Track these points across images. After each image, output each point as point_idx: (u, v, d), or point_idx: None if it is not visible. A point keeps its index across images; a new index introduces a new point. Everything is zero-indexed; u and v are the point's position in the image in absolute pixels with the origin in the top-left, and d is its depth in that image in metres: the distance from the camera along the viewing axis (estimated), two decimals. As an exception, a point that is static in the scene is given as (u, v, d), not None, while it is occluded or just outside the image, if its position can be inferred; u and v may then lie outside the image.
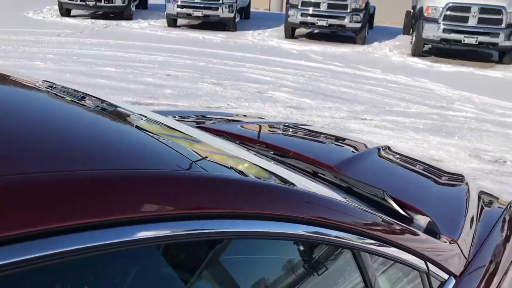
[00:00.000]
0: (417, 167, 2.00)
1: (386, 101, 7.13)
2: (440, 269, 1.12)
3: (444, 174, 1.98)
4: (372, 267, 0.92)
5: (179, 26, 13.41)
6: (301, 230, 0.82)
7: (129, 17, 13.60)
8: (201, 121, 2.19)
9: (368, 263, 0.91)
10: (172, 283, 0.68)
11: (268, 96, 6.93)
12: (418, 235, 1.13)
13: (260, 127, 2.39)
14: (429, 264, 1.08)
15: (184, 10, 12.74)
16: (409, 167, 1.99)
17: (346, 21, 11.91)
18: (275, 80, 7.88)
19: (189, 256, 0.70)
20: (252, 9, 16.74)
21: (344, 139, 2.33)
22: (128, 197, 0.59)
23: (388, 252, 0.98)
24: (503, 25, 10.41)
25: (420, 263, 1.05)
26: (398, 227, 1.08)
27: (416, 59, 10.92)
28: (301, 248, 0.86)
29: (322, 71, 8.99)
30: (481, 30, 10.47)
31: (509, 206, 1.84)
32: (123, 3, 13.36)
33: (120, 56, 8.89)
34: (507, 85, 8.90)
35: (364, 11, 12.01)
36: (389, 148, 2.21)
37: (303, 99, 6.86)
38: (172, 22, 13.21)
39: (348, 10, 11.85)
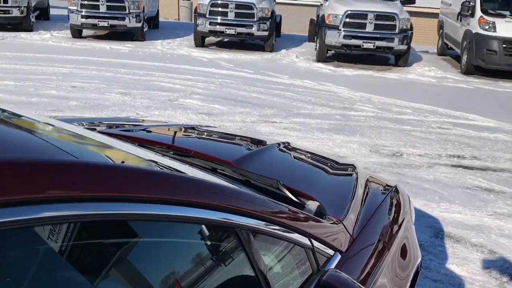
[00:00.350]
0: (312, 159, 2.14)
1: (294, 104, 7.41)
2: (325, 246, 1.23)
3: (337, 164, 2.14)
4: (257, 246, 1.00)
5: (84, 37, 12.97)
6: (190, 213, 0.88)
7: (29, 28, 12.91)
8: (105, 127, 2.17)
9: (253, 243, 0.98)
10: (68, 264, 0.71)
11: (179, 103, 6.93)
12: (303, 216, 1.23)
13: (165, 129, 2.42)
14: (313, 241, 1.18)
15: (89, 21, 12.35)
16: (305, 160, 2.12)
17: (254, 30, 12.20)
18: (185, 88, 7.89)
19: (89, 235, 0.74)
20: (161, 19, 16.59)
21: (245, 137, 2.43)
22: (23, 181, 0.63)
23: (274, 231, 1.06)
24: (397, 31, 11.24)
25: (305, 240, 1.15)
26: (285, 210, 1.17)
27: (320, 65, 11.45)
28: (190, 230, 0.92)
29: (232, 78, 9.15)
30: (378, 36, 11.22)
31: (393, 189, 2.04)
32: (21, 13, 12.67)
33: (19, 68, 8.43)
34: (402, 86, 9.62)
35: (270, 20, 12.38)
36: (288, 144, 2.34)
37: (215, 105, 6.94)
38: (76, 33, 12.74)
39: (255, 19, 12.15)
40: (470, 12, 11.13)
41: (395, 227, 1.76)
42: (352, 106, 7.60)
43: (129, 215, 0.77)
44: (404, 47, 11.39)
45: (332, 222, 1.39)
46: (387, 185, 2.07)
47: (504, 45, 10.43)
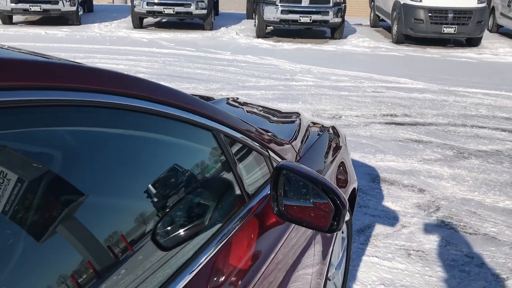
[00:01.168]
0: (261, 109, 2.43)
1: (238, 78, 7.68)
2: (278, 156, 1.53)
3: (283, 113, 2.45)
4: (230, 150, 1.27)
5: (15, 23, 12.54)
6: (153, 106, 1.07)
7: None
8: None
9: (228, 146, 1.25)
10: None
11: (125, 83, 7.01)
12: (263, 133, 1.53)
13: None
14: (270, 151, 1.47)
15: (20, 6, 11.95)
16: (254, 110, 2.41)
17: (192, 8, 12.26)
18: (129, 68, 7.95)
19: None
20: (94, 3, 16.22)
21: (194, 95, 2.67)
22: None
23: (244, 139, 1.34)
24: (331, 4, 11.70)
25: (264, 149, 1.44)
26: (252, 128, 1.46)
27: (260, 40, 11.74)
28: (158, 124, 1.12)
29: (175, 56, 9.26)
30: (314, 10, 11.63)
31: (331, 128, 2.38)
32: None
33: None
34: (339, 56, 10.11)
35: (208, -2, 12.49)
36: (237, 98, 2.62)
37: (160, 83, 7.07)
38: (7, 19, 12.30)
39: (193, -2, 12.21)
40: (397, -16, 11.76)
41: (333, 152, 2.10)
42: (293, 77, 7.97)
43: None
44: (339, 19, 11.88)
45: (283, 142, 1.69)
46: (325, 126, 2.40)
47: (429, 14, 11.14)
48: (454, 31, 11.11)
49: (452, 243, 3.09)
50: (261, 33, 12.03)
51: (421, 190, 3.85)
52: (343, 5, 11.96)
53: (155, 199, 1.06)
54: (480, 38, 11.62)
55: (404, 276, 2.74)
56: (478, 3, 11.19)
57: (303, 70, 8.57)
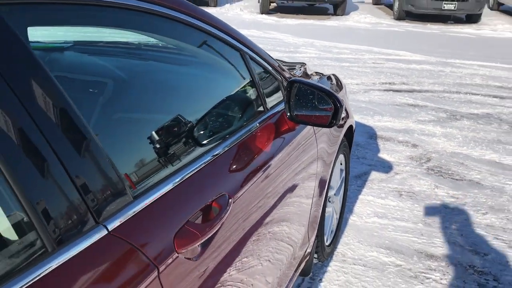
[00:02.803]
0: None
1: (243, 50, 7.99)
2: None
3: (290, 62, 2.80)
4: (253, 67, 1.61)
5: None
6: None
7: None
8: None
9: (251, 64, 1.60)
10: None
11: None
12: (278, 63, 1.89)
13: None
14: (282, 78, 1.82)
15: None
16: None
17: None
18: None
19: None
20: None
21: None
22: None
23: (262, 63, 1.69)
24: (334, -19, 11.92)
25: (278, 75, 1.79)
26: (269, 56, 1.81)
27: (264, 16, 12.00)
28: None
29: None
30: (316, -14, 11.86)
31: (330, 76, 2.73)
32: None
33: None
34: (341, 31, 10.38)
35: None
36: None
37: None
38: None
39: (198, -26, 12.40)
40: (399, -39, 11.95)
41: (334, 89, 2.46)
42: (297, 49, 8.27)
43: None
44: (341, -4, 12.11)
45: (292, 74, 2.05)
46: (325, 74, 2.75)
47: (430, -9, 11.36)
48: (454, 7, 11.34)
49: (440, 187, 3.46)
50: (265, 9, 12.28)
51: (414, 145, 4.21)
52: (346, -19, 12.17)
53: (201, 103, 1.43)
54: (480, 15, 11.85)
55: (395, 210, 3.12)
56: (478, -20, 11.41)
57: (306, 43, 8.87)
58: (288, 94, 1.57)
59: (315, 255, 2.43)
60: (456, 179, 3.60)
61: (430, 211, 3.13)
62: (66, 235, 0.80)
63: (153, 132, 1.16)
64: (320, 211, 2.19)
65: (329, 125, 1.52)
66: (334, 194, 2.58)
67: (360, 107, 5.23)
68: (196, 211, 1.09)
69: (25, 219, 0.75)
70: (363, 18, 12.16)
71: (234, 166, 1.33)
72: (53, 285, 0.75)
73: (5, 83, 0.76)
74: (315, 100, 1.54)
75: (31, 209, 0.75)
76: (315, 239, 2.23)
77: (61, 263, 0.77)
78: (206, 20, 1.39)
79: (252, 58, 1.62)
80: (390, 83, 6.26)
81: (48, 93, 0.83)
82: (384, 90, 5.94)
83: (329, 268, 2.53)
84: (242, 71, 1.60)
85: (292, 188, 1.71)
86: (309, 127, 1.90)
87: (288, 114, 1.59)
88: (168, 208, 1.04)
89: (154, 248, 0.94)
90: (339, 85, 2.71)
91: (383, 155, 3.99)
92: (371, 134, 4.44)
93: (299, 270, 2.06)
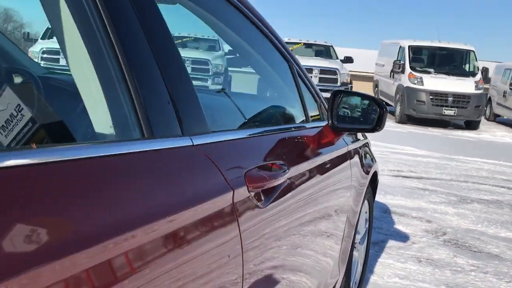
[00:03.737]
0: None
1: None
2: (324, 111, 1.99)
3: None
4: (298, 79, 1.73)
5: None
6: None
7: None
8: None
9: (297, 76, 1.71)
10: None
11: None
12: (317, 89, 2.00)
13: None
14: (322, 103, 1.93)
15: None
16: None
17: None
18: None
19: None
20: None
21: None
22: None
23: (305, 79, 1.81)
24: (338, 84, 12.58)
25: (318, 98, 1.90)
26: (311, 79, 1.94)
27: None
28: None
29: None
30: (321, 88, 12.51)
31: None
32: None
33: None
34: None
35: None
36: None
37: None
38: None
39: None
40: (401, 69, 12.74)
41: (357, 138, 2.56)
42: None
43: None
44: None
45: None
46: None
47: (431, 97, 11.96)
48: (454, 113, 11.85)
49: (459, 256, 3.40)
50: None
51: (429, 221, 4.20)
52: (350, 86, 12.83)
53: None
54: (479, 122, 12.34)
55: (416, 273, 3.04)
56: (475, 89, 12.06)
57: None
58: (331, 104, 1.65)
59: (340, 303, 2.34)
60: (475, 251, 3.54)
61: (452, 276, 3.05)
62: (159, 131, 0.84)
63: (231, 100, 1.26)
64: (350, 247, 2.16)
65: (374, 129, 1.59)
66: (359, 243, 2.55)
67: (371, 187, 5.27)
68: (264, 164, 1.13)
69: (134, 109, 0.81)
70: (366, 120, 12.63)
71: (284, 151, 1.38)
72: (143, 163, 0.78)
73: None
74: (358, 107, 1.62)
75: (141, 107, 0.81)
76: (344, 278, 2.17)
77: (150, 149, 0.81)
78: (268, 27, 1.53)
79: (298, 72, 1.73)
80: (398, 171, 6.36)
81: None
82: (393, 176, 6.03)
83: (353, 319, 2.41)
84: (288, 78, 1.70)
85: (329, 201, 1.73)
86: (345, 152, 1.96)
87: (330, 122, 1.66)
88: (241, 149, 1.09)
89: (230, 174, 0.97)
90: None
91: (398, 226, 3.97)
92: (384, 210, 4.44)
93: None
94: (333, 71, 12.68)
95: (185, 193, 0.84)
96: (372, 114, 1.59)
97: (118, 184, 0.71)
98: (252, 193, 1.03)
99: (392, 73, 13.40)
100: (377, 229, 3.85)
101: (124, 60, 0.81)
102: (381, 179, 5.69)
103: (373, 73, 17.47)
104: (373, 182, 2.71)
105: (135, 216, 0.69)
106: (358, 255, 2.57)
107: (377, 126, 1.58)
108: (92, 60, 0.82)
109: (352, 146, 2.12)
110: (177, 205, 0.79)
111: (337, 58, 13.78)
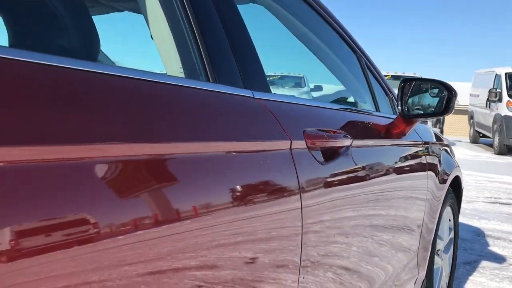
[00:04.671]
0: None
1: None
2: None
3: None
4: (368, 71, 1.78)
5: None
6: None
7: None
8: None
9: (366, 68, 1.77)
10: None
11: None
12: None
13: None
14: (393, 96, 1.95)
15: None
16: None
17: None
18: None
19: None
20: None
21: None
22: None
23: (375, 71, 1.86)
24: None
25: (389, 93, 1.93)
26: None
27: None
28: None
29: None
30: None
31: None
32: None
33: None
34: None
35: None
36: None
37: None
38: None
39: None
40: (497, 97, 12.05)
41: (440, 139, 2.49)
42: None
43: None
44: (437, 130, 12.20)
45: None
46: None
47: (532, 125, 11.12)
48: (561, 142, 10.88)
49: None
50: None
51: (529, 245, 3.88)
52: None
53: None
54: None
55: (512, 292, 2.82)
56: None
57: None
58: (401, 92, 1.68)
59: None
60: None
61: (555, 296, 2.79)
62: (222, 80, 0.95)
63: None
64: (430, 247, 2.10)
65: (443, 113, 1.58)
66: (443, 252, 2.45)
67: (463, 213, 4.99)
68: (325, 129, 1.18)
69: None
70: (461, 151, 12.00)
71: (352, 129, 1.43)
72: (205, 100, 0.88)
73: None
74: (427, 92, 1.63)
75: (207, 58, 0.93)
76: (424, 280, 2.10)
77: (215, 90, 0.91)
78: (335, 20, 1.62)
79: (367, 65, 1.79)
80: (495, 198, 5.96)
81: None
82: (489, 202, 5.66)
83: (439, 330, 2.30)
84: (357, 71, 1.76)
85: (404, 189, 1.72)
86: (419, 143, 1.94)
87: (400, 110, 1.68)
88: (302, 112, 1.17)
89: (289, 127, 1.04)
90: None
91: (493, 248, 3.71)
92: (478, 233, 4.18)
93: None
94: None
95: (244, 135, 0.92)
96: (441, 99, 1.59)
97: (184, 114, 0.81)
98: (311, 149, 1.09)
99: (488, 103, 12.70)
100: (469, 250, 3.63)
101: (194, 20, 0.94)
102: (476, 206, 5.39)
103: (466, 105, 16.67)
104: (457, 191, 2.60)
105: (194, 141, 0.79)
106: (443, 265, 2.46)
107: (446, 109, 1.57)
108: (168, 21, 0.96)
109: (428, 140, 2.10)
110: (235, 146, 0.87)
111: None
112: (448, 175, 2.38)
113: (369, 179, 1.40)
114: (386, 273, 1.60)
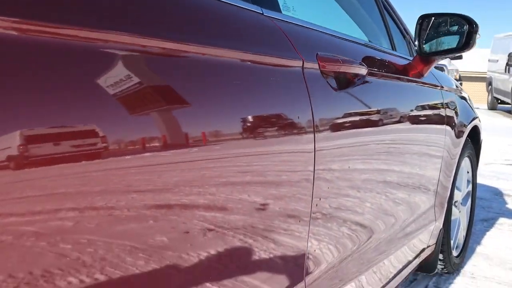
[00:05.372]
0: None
1: None
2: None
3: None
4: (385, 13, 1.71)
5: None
6: None
7: None
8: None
9: (384, 11, 1.69)
10: None
11: None
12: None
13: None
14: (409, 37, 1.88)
15: None
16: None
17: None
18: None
19: None
20: None
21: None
22: None
23: (393, 15, 1.78)
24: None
25: (407, 34, 1.86)
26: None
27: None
28: None
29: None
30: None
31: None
32: None
33: None
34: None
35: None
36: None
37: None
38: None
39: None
40: (517, 61, 11.74)
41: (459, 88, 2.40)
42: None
43: None
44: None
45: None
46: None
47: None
48: None
49: None
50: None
51: (549, 203, 3.80)
52: (460, 82, 12.09)
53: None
54: None
55: (532, 246, 2.77)
56: None
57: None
58: (418, 30, 1.60)
59: (442, 264, 2.21)
60: None
61: None
62: None
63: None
64: (447, 195, 2.05)
65: (464, 48, 1.51)
66: (461, 204, 2.40)
67: (482, 174, 4.91)
68: (339, 55, 1.12)
69: None
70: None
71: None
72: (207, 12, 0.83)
73: None
74: (446, 28, 1.55)
75: None
76: (442, 230, 2.06)
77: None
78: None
79: (383, 4, 1.71)
80: (514, 160, 5.85)
81: None
82: (508, 164, 5.56)
83: (456, 281, 2.27)
84: (373, 9, 1.69)
85: (421, 132, 1.66)
86: (437, 89, 1.88)
87: (418, 48, 1.61)
88: (315, 36, 1.12)
89: (301, 48, 0.99)
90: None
91: (511, 206, 3.65)
92: (496, 192, 4.11)
93: (421, 257, 1.90)
94: (440, 67, 12.03)
95: (252, 47, 0.86)
96: (461, 34, 1.51)
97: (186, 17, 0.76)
98: (325, 74, 1.04)
99: (507, 67, 12.39)
100: (486, 208, 3.57)
101: None
102: (494, 167, 5.29)
103: (485, 72, 16.30)
104: (476, 143, 2.53)
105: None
106: (461, 217, 2.42)
107: (466, 45, 1.50)
108: None
109: (446, 85, 2.03)
110: (243, 60, 0.82)
111: (444, 54, 13.09)
112: (465, 126, 2.31)
113: (385, 119, 1.35)
114: (396, 222, 1.56)
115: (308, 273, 1.00)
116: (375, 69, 1.34)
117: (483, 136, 2.77)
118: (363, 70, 1.16)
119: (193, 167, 0.68)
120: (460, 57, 13.61)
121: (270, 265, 0.87)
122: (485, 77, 16.14)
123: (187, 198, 0.67)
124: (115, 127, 0.57)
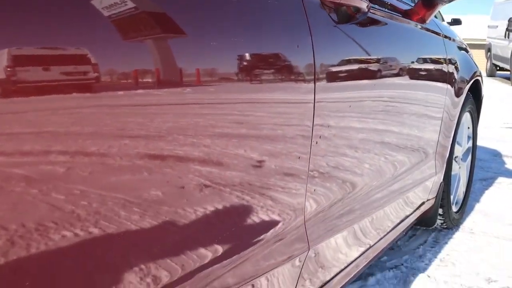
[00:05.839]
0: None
1: None
2: None
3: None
4: None
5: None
6: None
7: None
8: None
9: None
10: None
11: None
12: None
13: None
14: None
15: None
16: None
17: None
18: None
19: None
20: None
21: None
22: None
23: None
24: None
25: None
26: None
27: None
28: None
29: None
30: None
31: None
32: None
33: None
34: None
35: None
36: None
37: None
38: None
39: None
40: (517, 27, 11.59)
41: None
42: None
43: None
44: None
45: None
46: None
47: (553, 55, 10.74)
48: None
49: None
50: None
51: (548, 164, 3.79)
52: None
53: None
54: None
55: (531, 203, 2.76)
56: None
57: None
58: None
59: (442, 218, 2.20)
60: None
61: None
62: None
63: None
64: (448, 150, 2.02)
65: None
66: (461, 159, 2.37)
67: (480, 136, 4.89)
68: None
69: None
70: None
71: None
72: None
73: None
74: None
75: None
76: (442, 183, 2.04)
77: None
78: None
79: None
80: (513, 124, 5.83)
81: None
82: (507, 127, 5.54)
83: (455, 236, 2.27)
84: None
85: (422, 82, 1.62)
86: (439, 43, 1.82)
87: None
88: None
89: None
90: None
91: (509, 167, 3.64)
92: (495, 154, 4.10)
93: (421, 210, 1.88)
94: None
95: None
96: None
97: None
98: (325, 6, 0.99)
99: (507, 33, 12.24)
100: (485, 169, 3.56)
101: None
102: (493, 130, 5.27)
103: (483, 39, 16.11)
104: (478, 98, 2.48)
105: None
106: (461, 173, 2.40)
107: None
108: None
109: (448, 35, 1.97)
110: None
111: (443, 20, 12.87)
112: (467, 81, 2.27)
113: (388, 64, 1.30)
114: (396, 171, 1.54)
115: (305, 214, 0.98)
116: (377, 7, 1.28)
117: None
118: (363, 4, 1.11)
119: (187, 111, 0.65)
120: (459, 23, 13.45)
121: (269, 215, 0.86)
122: (483, 44, 15.98)
123: (181, 149, 0.64)
124: (105, 52, 0.53)
